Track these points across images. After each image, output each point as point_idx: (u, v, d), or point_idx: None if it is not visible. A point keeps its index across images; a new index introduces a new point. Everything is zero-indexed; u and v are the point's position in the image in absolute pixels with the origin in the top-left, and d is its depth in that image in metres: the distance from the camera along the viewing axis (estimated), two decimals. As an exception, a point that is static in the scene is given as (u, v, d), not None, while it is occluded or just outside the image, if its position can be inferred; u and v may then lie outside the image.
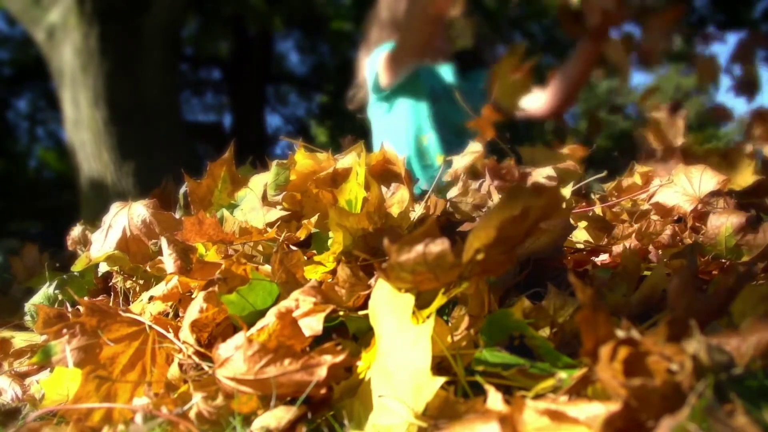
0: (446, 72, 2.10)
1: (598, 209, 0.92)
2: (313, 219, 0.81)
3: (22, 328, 1.02)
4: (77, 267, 0.98)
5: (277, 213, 0.88)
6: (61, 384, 0.63)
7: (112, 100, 3.87)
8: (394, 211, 0.79)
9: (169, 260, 0.79)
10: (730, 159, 0.96)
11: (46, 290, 1.00)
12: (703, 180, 0.85)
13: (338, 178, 0.87)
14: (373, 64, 2.03)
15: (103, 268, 0.96)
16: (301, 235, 0.81)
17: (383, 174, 0.91)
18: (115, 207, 0.92)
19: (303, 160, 0.91)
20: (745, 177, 0.93)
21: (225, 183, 1.02)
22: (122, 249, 0.87)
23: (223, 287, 0.66)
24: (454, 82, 2.07)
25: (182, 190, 1.08)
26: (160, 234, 0.86)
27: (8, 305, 1.16)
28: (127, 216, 0.89)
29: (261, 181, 0.95)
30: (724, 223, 0.75)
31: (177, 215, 1.08)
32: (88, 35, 3.84)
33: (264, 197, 0.92)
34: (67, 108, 4.02)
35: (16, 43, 8.08)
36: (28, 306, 1.00)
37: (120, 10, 3.85)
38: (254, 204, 0.91)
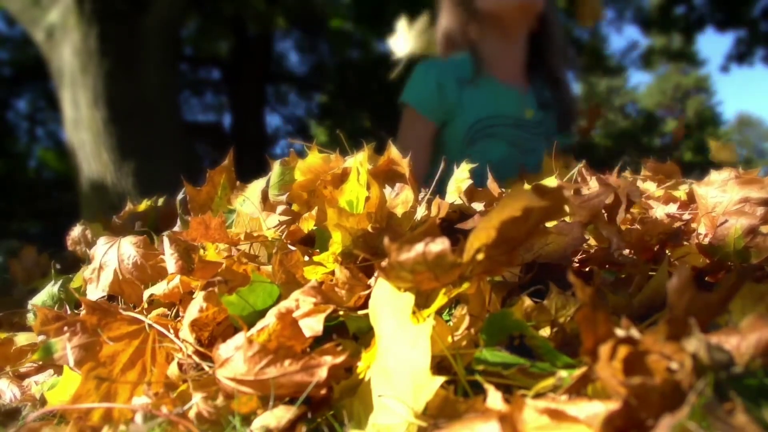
0: (511, 98, 1.74)
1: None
2: (313, 211, 0.80)
3: (24, 328, 1.02)
4: (74, 284, 0.97)
5: (275, 219, 0.88)
6: (66, 390, 0.63)
7: (111, 100, 3.87)
8: (399, 212, 0.79)
9: (170, 260, 0.79)
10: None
11: (51, 289, 1.00)
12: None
13: (346, 179, 0.86)
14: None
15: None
16: (305, 228, 0.81)
17: (388, 174, 0.90)
18: (102, 243, 0.89)
19: (314, 159, 0.90)
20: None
21: (225, 190, 1.02)
22: (116, 292, 0.85)
23: (224, 288, 0.66)
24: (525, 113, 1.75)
25: (179, 197, 1.08)
26: (153, 274, 0.84)
27: (10, 305, 1.16)
28: (116, 256, 0.86)
29: (259, 186, 0.95)
30: (734, 224, 0.72)
31: (177, 222, 1.08)
32: (87, 35, 3.84)
33: (264, 200, 0.92)
34: (66, 108, 4.02)
35: (15, 43, 8.09)
36: (32, 304, 1.00)
37: (120, 10, 3.85)
38: (252, 210, 0.91)
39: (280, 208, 0.90)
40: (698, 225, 0.79)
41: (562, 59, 1.81)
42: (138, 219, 1.25)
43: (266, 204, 0.92)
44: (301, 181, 0.90)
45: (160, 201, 1.30)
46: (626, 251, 0.75)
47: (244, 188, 0.99)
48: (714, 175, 0.80)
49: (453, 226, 0.74)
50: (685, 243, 0.76)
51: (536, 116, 1.76)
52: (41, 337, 0.67)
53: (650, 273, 0.67)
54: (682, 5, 7.76)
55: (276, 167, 0.95)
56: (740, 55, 8.01)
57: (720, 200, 0.78)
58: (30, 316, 1.01)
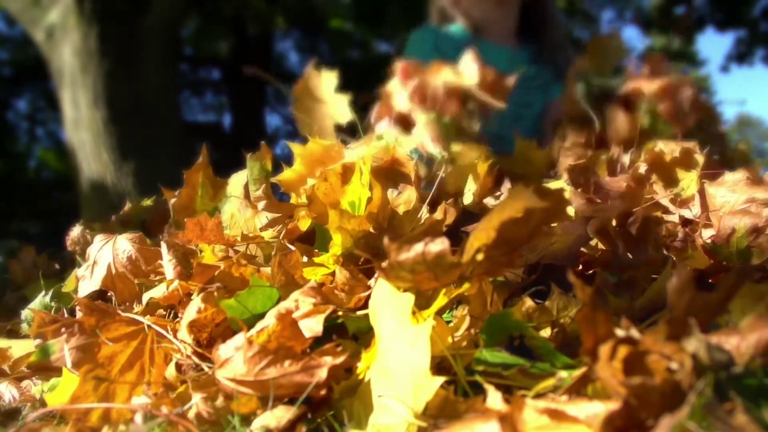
0: (502, 54, 1.80)
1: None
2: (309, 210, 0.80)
3: (16, 335, 1.01)
4: (67, 287, 0.97)
5: (264, 218, 0.87)
6: (66, 390, 0.63)
7: (111, 100, 3.86)
8: (401, 211, 0.78)
9: (168, 266, 0.78)
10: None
11: (42, 299, 0.99)
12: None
13: (348, 172, 0.84)
14: None
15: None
16: (303, 227, 0.80)
17: (391, 174, 0.89)
18: (98, 240, 0.89)
19: (314, 146, 0.89)
20: None
21: (205, 188, 1.00)
22: (108, 287, 0.84)
23: (222, 292, 0.66)
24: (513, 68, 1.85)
25: (172, 201, 1.07)
26: (147, 271, 0.83)
27: (1, 311, 1.15)
28: (111, 251, 0.86)
29: (240, 181, 0.93)
30: (737, 223, 0.71)
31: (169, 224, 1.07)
32: (87, 35, 3.83)
33: (246, 195, 0.90)
34: (66, 108, 4.01)
35: (15, 43, 8.08)
36: (25, 313, 0.99)
37: (119, 10, 3.84)
38: (240, 207, 0.90)
39: (261, 204, 0.89)
40: (701, 226, 0.79)
41: (556, 26, 1.90)
42: (123, 220, 1.24)
43: (248, 202, 0.91)
44: (300, 171, 0.89)
45: (157, 201, 1.29)
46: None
47: (225, 184, 0.98)
48: (728, 176, 0.80)
49: (457, 226, 0.74)
50: (691, 247, 0.76)
51: (529, 71, 1.84)
52: (37, 341, 0.67)
53: (653, 276, 0.67)
54: (682, 5, 7.76)
55: (249, 162, 0.93)
56: (740, 55, 8.00)
57: (728, 200, 0.78)
58: (24, 327, 1.00)
